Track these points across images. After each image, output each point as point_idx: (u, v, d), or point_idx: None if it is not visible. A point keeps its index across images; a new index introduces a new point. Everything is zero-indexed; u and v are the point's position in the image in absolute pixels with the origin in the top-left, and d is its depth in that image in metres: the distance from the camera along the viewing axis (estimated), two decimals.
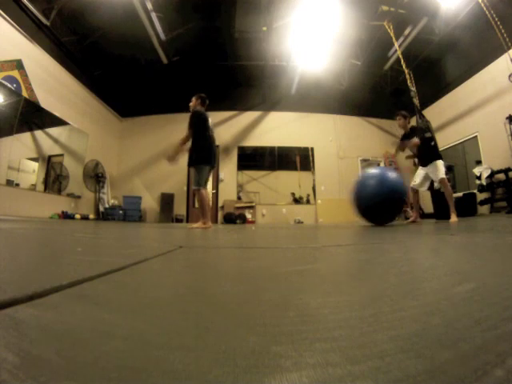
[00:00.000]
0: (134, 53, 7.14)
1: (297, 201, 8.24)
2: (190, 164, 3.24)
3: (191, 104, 3.47)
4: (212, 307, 0.34)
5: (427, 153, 3.78)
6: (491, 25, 5.08)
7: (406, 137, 3.93)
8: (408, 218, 5.75)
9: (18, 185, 5.14)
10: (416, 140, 3.76)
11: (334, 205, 8.14)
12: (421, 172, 3.87)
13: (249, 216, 7.69)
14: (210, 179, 3.47)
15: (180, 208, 7.98)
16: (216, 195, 8.20)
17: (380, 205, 2.87)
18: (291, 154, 8.54)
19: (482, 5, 5.07)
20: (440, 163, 3.68)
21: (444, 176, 3.62)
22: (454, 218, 3.48)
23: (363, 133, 8.88)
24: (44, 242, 1.29)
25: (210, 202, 3.95)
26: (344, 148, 8.65)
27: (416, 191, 3.93)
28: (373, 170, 3.44)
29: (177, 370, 0.19)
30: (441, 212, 4.64)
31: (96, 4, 5.58)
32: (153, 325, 0.27)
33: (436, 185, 3.72)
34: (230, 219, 7.33)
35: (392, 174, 3.13)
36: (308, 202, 8.24)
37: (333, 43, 6.76)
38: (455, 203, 3.67)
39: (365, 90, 8.52)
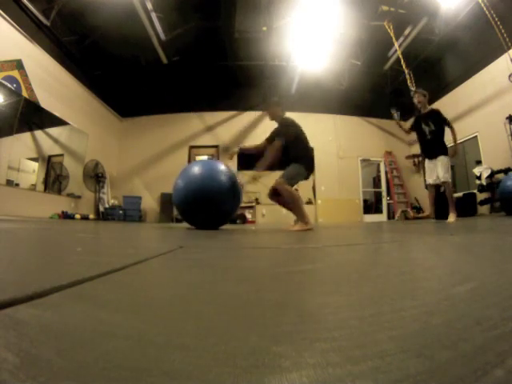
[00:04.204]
0: (134, 53, 7.14)
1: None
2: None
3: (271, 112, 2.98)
4: (212, 307, 0.34)
5: (438, 144, 3.64)
6: (491, 25, 5.08)
7: (428, 117, 3.72)
8: (408, 218, 5.73)
9: (17, 185, 5.14)
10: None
11: (333, 205, 8.14)
12: (430, 166, 3.76)
13: (249, 216, 7.69)
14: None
15: None
16: None
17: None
18: None
19: (482, 5, 5.07)
20: (448, 160, 3.61)
21: (449, 179, 3.59)
22: (451, 218, 3.47)
23: (363, 133, 8.88)
24: (44, 242, 1.29)
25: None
26: (344, 148, 8.65)
27: (433, 186, 3.80)
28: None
29: (177, 369, 0.19)
30: (441, 212, 4.64)
31: (96, 4, 5.58)
32: (153, 325, 0.27)
33: (436, 180, 3.69)
34: (230, 219, 7.31)
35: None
36: (308, 202, 8.24)
37: (333, 43, 6.76)
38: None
39: (365, 90, 8.51)
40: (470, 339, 0.23)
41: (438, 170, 3.61)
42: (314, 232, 2.36)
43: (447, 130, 3.67)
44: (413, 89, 5.99)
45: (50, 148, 6.09)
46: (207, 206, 2.48)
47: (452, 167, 6.97)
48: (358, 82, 8.11)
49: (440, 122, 3.65)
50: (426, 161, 3.83)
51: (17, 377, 0.17)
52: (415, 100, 3.80)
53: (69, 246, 1.08)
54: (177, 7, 6.05)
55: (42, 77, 5.53)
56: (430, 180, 3.78)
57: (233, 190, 2.64)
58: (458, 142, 3.71)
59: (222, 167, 2.76)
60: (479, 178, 5.80)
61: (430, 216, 3.75)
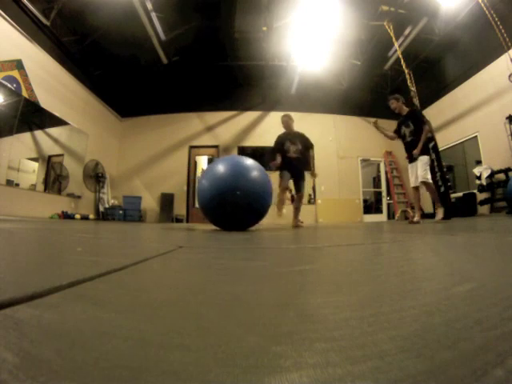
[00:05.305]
0: (134, 53, 7.14)
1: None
2: None
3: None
4: (212, 307, 0.34)
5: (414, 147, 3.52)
6: (491, 25, 5.08)
7: (407, 119, 3.65)
8: (408, 218, 5.72)
9: (17, 185, 5.14)
10: (427, 128, 3.48)
11: (333, 205, 8.14)
12: (410, 169, 3.69)
13: None
14: None
15: (180, 208, 7.97)
16: None
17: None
18: None
19: (482, 5, 5.07)
20: (428, 160, 3.49)
21: (429, 178, 3.42)
22: (440, 214, 3.28)
23: (363, 133, 8.87)
24: (44, 242, 1.29)
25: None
26: (344, 148, 8.65)
27: (417, 189, 3.68)
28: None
29: (177, 370, 0.19)
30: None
31: (96, 4, 5.58)
32: (153, 325, 0.27)
33: (414, 180, 3.54)
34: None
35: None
36: (308, 201, 8.24)
37: (333, 43, 6.76)
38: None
39: (365, 90, 8.51)
40: (470, 339, 0.23)
41: (417, 171, 3.48)
42: (314, 232, 2.36)
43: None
44: (413, 89, 5.99)
45: (49, 148, 6.08)
46: (239, 207, 2.29)
47: (452, 167, 6.98)
48: (358, 81, 8.11)
49: (419, 121, 3.53)
50: (409, 164, 3.74)
51: (17, 377, 0.17)
52: (391, 107, 3.74)
53: (69, 246, 1.08)
54: (177, 7, 6.05)
55: (42, 77, 5.53)
56: (412, 183, 3.68)
57: (264, 186, 2.49)
58: (427, 140, 3.59)
59: (251, 162, 2.55)
60: (479, 178, 5.80)
61: (419, 221, 3.45)
